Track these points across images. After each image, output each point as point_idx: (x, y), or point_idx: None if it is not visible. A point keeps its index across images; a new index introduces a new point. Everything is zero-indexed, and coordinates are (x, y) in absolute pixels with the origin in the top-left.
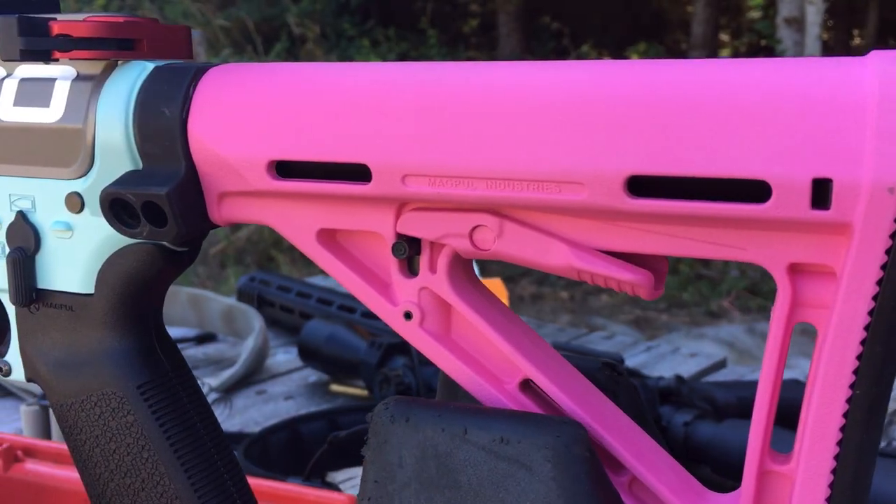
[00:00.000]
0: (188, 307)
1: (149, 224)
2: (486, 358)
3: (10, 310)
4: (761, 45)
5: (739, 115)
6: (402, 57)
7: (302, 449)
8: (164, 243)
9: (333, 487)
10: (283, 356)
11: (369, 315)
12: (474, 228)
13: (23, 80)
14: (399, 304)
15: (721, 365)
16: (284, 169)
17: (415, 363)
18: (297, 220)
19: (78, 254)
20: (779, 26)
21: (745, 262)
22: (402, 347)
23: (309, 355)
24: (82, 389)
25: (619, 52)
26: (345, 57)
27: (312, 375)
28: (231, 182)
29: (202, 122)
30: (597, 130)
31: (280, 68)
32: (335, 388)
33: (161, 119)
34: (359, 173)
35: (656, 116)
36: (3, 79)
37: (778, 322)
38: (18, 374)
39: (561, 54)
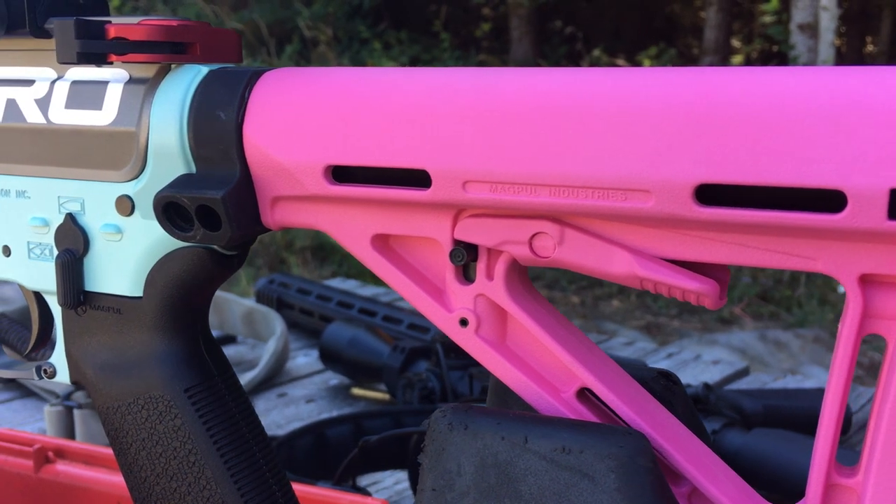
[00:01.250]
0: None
1: (202, 228)
2: (542, 366)
3: (56, 312)
4: (773, 51)
5: (815, 123)
6: (415, 60)
7: (328, 453)
8: (215, 247)
9: (363, 492)
10: (303, 359)
11: (390, 319)
12: (534, 235)
13: (74, 83)
14: (454, 311)
15: (744, 373)
16: (340, 174)
17: (443, 368)
18: (352, 224)
19: (127, 257)
20: (792, 32)
21: (815, 272)
22: (425, 351)
23: (330, 358)
24: (129, 392)
25: (631, 57)
26: (357, 59)
27: (333, 378)
28: (285, 186)
29: (258, 127)
30: (666, 138)
31: (337, 73)
32: (356, 391)
33: (217, 123)
34: (417, 179)
35: (727, 124)
36: (54, 81)
37: (847, 333)
38: (63, 376)
39: (573, 58)
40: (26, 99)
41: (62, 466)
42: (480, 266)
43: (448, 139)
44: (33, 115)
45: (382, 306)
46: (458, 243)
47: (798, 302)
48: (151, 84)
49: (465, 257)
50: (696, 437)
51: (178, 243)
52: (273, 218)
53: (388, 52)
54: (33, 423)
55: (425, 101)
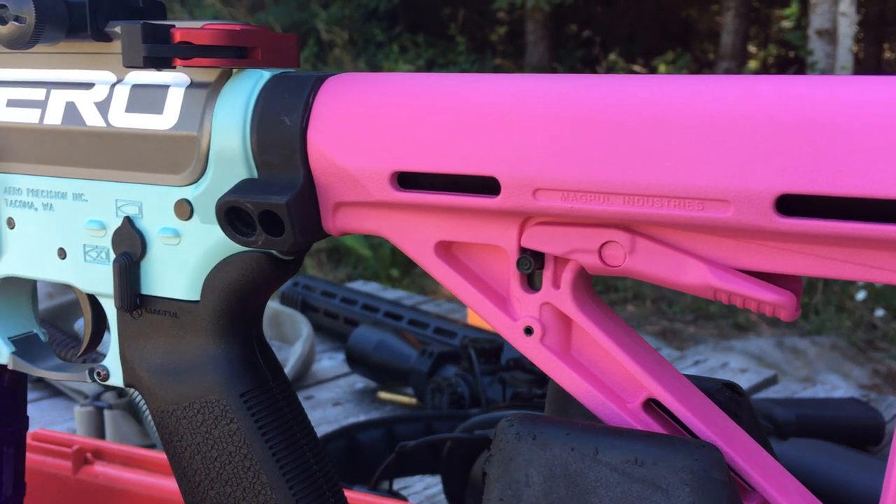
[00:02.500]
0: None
1: (265, 233)
2: (608, 376)
3: (111, 315)
4: (790, 57)
5: None
6: (430, 63)
7: (360, 457)
8: (273, 252)
9: (400, 497)
10: (328, 362)
11: (416, 322)
12: (604, 244)
13: (135, 87)
14: (519, 319)
15: (773, 381)
16: (405, 180)
17: (476, 373)
18: (415, 231)
19: (185, 260)
20: (810, 38)
21: None
22: (454, 356)
23: (357, 362)
24: (184, 396)
25: (647, 62)
26: (373, 63)
27: (359, 382)
28: (349, 192)
29: (322, 132)
30: (747, 147)
31: (403, 78)
32: (383, 395)
33: (281, 128)
34: (486, 186)
35: (811, 133)
36: (114, 85)
37: None
38: (117, 379)
39: (589, 63)
40: (86, 102)
41: (100, 468)
42: (547, 274)
43: (519, 146)
44: (93, 119)
45: (408, 310)
46: (524, 251)
47: (815, 309)
48: (213, 88)
49: (532, 265)
50: (763, 450)
51: (237, 248)
52: (334, 224)
53: (404, 55)
54: (62, 423)
55: (495, 107)
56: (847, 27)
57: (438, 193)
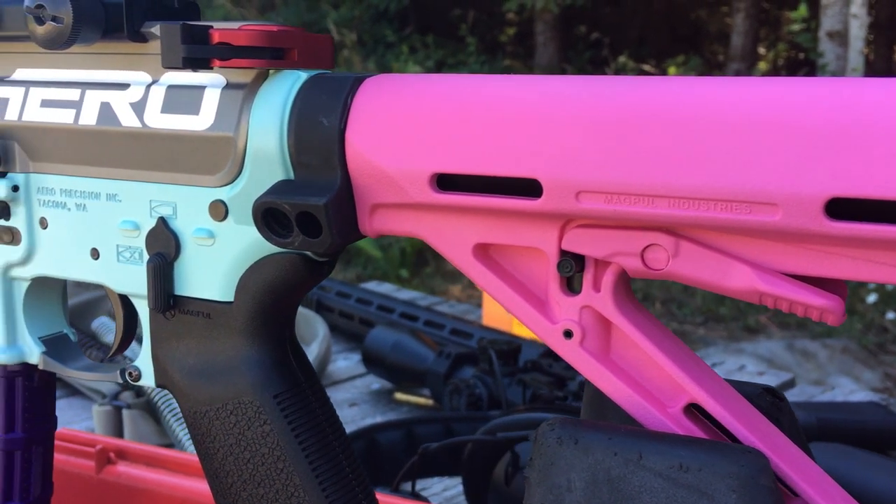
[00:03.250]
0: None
1: (302, 234)
2: (648, 380)
3: (144, 316)
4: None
5: None
6: (440, 64)
7: (380, 458)
8: (308, 253)
9: (421, 498)
10: (344, 362)
11: (432, 324)
12: (647, 247)
13: (171, 87)
14: (558, 322)
15: (790, 384)
16: (444, 181)
17: (496, 375)
18: (454, 233)
19: (219, 261)
20: (821, 40)
21: None
22: (471, 357)
23: (373, 362)
24: (217, 397)
25: (657, 64)
26: (382, 63)
27: (375, 383)
28: (387, 194)
29: (361, 133)
30: (798, 150)
31: (443, 80)
32: (399, 396)
33: (319, 129)
34: (527, 188)
35: (862, 136)
36: (150, 85)
37: None
38: (148, 379)
39: (598, 64)
40: (121, 103)
41: (123, 468)
42: (587, 277)
43: (562, 148)
44: (128, 119)
45: (423, 311)
46: (565, 254)
47: None
48: (250, 89)
49: (574, 268)
50: (805, 455)
51: (271, 249)
52: (371, 225)
53: (413, 56)
54: (80, 422)
55: (539, 108)
56: (858, 29)
57: (478, 195)
